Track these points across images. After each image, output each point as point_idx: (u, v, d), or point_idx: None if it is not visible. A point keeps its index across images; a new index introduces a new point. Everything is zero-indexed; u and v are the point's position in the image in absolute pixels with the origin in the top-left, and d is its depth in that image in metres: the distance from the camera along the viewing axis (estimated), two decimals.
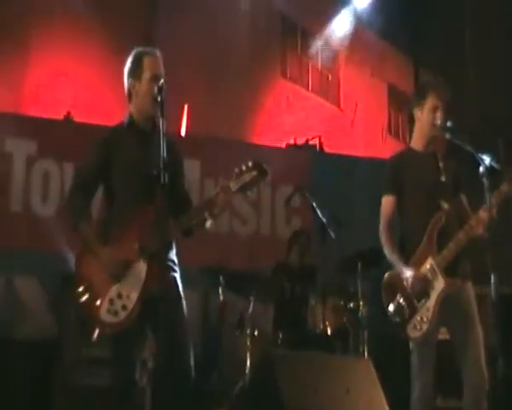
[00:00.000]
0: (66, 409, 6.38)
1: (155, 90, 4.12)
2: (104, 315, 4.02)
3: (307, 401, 5.49)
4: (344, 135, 13.75)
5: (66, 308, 6.55)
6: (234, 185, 4.11)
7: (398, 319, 4.62)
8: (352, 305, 6.95)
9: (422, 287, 4.55)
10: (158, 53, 4.35)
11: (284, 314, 6.94)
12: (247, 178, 4.09)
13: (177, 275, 4.26)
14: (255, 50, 12.19)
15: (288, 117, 12.82)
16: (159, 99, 4.07)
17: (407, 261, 4.64)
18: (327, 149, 10.88)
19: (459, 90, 4.96)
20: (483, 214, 4.48)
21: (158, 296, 3.90)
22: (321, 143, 10.98)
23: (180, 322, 4.13)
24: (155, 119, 4.23)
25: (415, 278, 4.56)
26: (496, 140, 8.54)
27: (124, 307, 4.03)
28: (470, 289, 4.67)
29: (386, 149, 13.02)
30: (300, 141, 11.13)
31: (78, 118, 9.02)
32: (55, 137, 8.01)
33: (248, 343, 6.35)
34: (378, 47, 14.36)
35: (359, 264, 6.90)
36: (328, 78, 14.48)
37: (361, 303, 6.86)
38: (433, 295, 4.55)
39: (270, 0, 12.60)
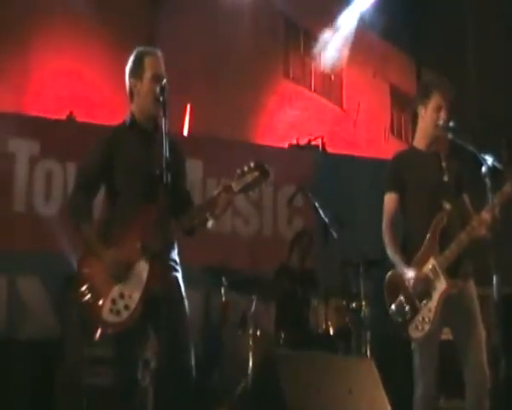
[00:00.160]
0: (69, 409, 6.38)
1: (158, 89, 4.12)
2: (106, 315, 4.03)
3: (309, 401, 5.49)
4: (346, 135, 13.73)
5: (69, 308, 6.55)
6: (236, 186, 4.11)
7: (399, 320, 4.62)
8: (354, 305, 6.95)
9: (424, 288, 4.55)
10: (159, 53, 4.36)
11: (286, 314, 6.94)
12: (248, 178, 4.09)
13: (179, 275, 4.27)
14: (258, 51, 12.18)
15: (290, 117, 12.81)
16: (161, 99, 4.07)
17: (409, 261, 4.63)
18: (329, 150, 10.86)
19: (461, 90, 4.94)
20: (485, 215, 4.47)
21: (160, 296, 3.91)
22: (323, 144, 10.97)
23: (182, 322, 4.14)
24: (157, 118, 4.23)
25: (417, 278, 4.56)
26: (497, 140, 8.53)
27: (126, 307, 4.03)
28: (472, 289, 4.66)
29: (388, 149, 12.98)
30: (303, 141, 11.12)
31: (80, 118, 9.02)
32: (57, 137, 8.02)
33: (250, 343, 6.35)
34: (380, 48, 14.33)
35: (361, 267, 6.92)
36: (330, 78, 14.47)
37: (363, 303, 6.86)
38: (435, 296, 4.54)
39: (272, 0, 12.59)
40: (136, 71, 4.29)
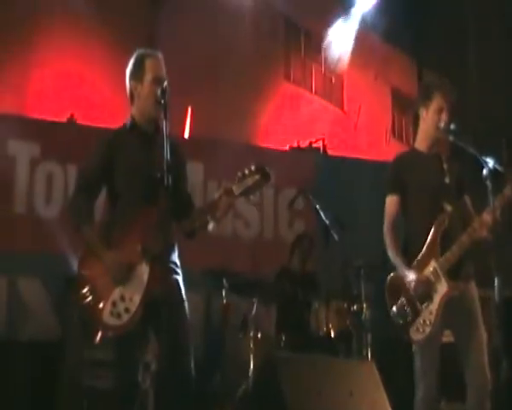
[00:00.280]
0: None
1: (159, 92, 4.12)
2: (107, 318, 4.03)
3: (310, 404, 5.49)
4: (347, 138, 13.73)
5: (70, 310, 6.56)
6: (236, 189, 4.10)
7: (401, 322, 4.62)
8: (355, 307, 6.94)
9: (425, 290, 4.55)
10: (160, 55, 4.36)
11: (287, 317, 6.94)
12: (249, 181, 4.09)
13: (180, 277, 4.26)
14: (258, 53, 12.18)
15: (291, 119, 12.81)
16: (162, 101, 4.07)
17: (410, 264, 4.64)
18: (330, 152, 10.87)
19: (462, 91, 4.93)
20: (486, 217, 4.48)
21: (160, 299, 3.91)
22: (324, 146, 10.98)
23: (182, 325, 4.13)
24: (158, 121, 4.23)
25: (417, 281, 4.56)
26: (498, 140, 8.54)
27: (127, 310, 4.03)
28: (474, 291, 4.66)
29: (389, 151, 12.97)
30: (304, 144, 11.12)
31: (81, 120, 9.03)
32: (58, 139, 8.03)
33: (251, 346, 6.36)
34: (382, 50, 14.34)
35: (362, 269, 6.93)
36: (331, 80, 14.47)
37: (364, 306, 6.86)
38: (436, 298, 4.54)
39: (273, 2, 12.59)
40: (137, 73, 4.29)
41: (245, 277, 7.02)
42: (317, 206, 7.19)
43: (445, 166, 4.74)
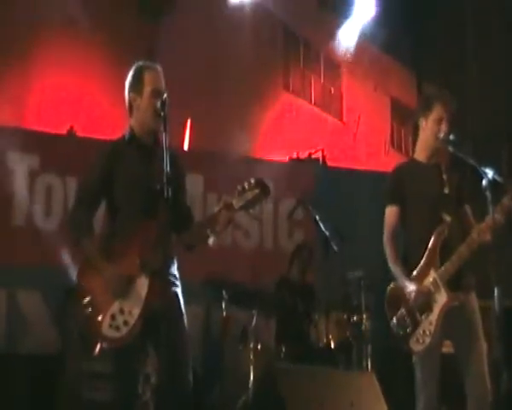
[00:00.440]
0: None
1: (158, 104, 4.11)
2: (106, 330, 4.02)
3: None
4: (346, 148, 13.76)
5: (69, 322, 6.55)
6: (236, 203, 4.10)
7: (401, 333, 4.62)
8: (355, 318, 6.94)
9: (425, 301, 4.55)
10: (159, 67, 4.36)
11: (287, 328, 6.93)
12: (249, 195, 4.09)
13: (179, 290, 4.26)
14: (257, 63, 12.21)
15: (290, 130, 12.83)
16: (162, 114, 4.06)
17: (410, 274, 4.64)
18: (330, 163, 10.89)
19: (462, 101, 4.94)
20: (485, 227, 4.47)
21: (159, 313, 3.90)
22: (324, 157, 11.00)
23: (181, 338, 4.13)
24: (157, 133, 4.23)
25: (417, 292, 4.56)
26: (498, 148, 8.55)
27: (125, 323, 4.02)
28: (474, 302, 4.66)
29: (389, 162, 13.00)
30: (303, 155, 11.15)
31: (80, 132, 9.04)
32: (57, 151, 8.03)
33: (251, 357, 6.34)
34: (381, 61, 14.39)
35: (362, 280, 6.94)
36: (330, 91, 14.50)
37: (364, 317, 6.86)
38: (436, 309, 4.54)
39: (272, 12, 12.63)
40: (136, 86, 4.29)
41: (244, 288, 7.01)
42: (317, 217, 7.19)
43: (445, 176, 4.75)
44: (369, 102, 14.71)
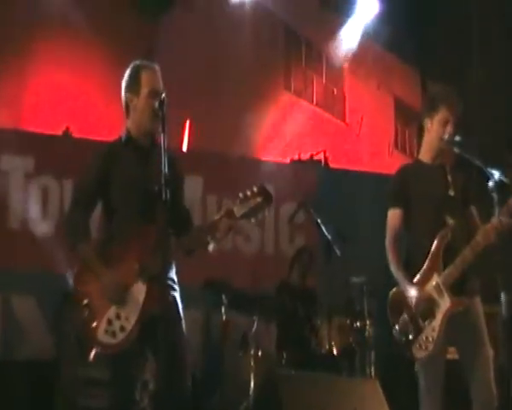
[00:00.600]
0: None
1: (156, 104, 4.10)
2: (102, 336, 4.02)
3: None
4: (349, 150, 13.74)
5: (66, 327, 6.54)
6: (238, 211, 4.09)
7: (403, 339, 4.60)
8: (358, 324, 6.93)
9: (427, 307, 4.52)
10: (156, 67, 4.35)
11: (288, 334, 6.92)
12: (251, 203, 4.08)
13: (177, 294, 4.26)
14: (258, 63, 12.20)
15: (292, 131, 12.81)
16: (160, 114, 4.05)
17: (412, 279, 4.62)
18: (332, 165, 10.88)
19: (466, 100, 4.91)
20: (491, 228, 4.45)
21: (157, 318, 3.90)
22: (326, 159, 10.99)
23: (179, 344, 4.12)
24: (154, 134, 4.23)
25: (419, 297, 4.53)
26: (502, 153, 8.54)
27: (122, 329, 4.01)
28: (479, 306, 4.63)
29: (392, 164, 12.97)
30: (305, 156, 11.13)
31: (77, 133, 9.03)
32: (53, 152, 8.01)
33: (252, 364, 6.34)
34: (384, 60, 14.37)
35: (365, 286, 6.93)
36: (333, 91, 14.49)
37: (368, 322, 6.84)
38: (439, 315, 4.51)
39: (273, 11, 12.62)
40: (133, 86, 4.28)
41: (244, 292, 7.00)
42: (319, 220, 7.18)
43: (450, 177, 4.72)
44: (373, 102, 14.68)
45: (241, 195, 4.07)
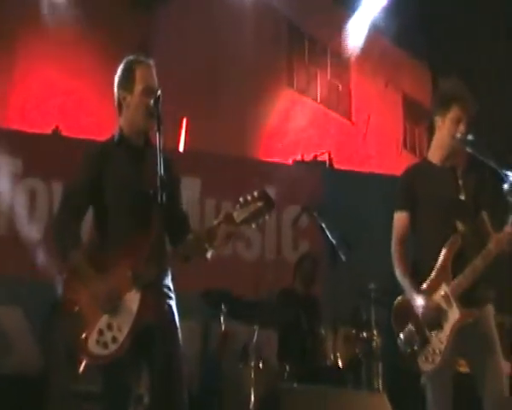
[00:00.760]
0: None
1: (151, 102, 4.09)
2: (92, 346, 3.99)
3: None
4: (355, 150, 13.76)
5: (54, 338, 6.53)
6: (238, 216, 4.06)
7: (408, 350, 4.57)
8: (365, 334, 6.93)
9: (435, 317, 4.49)
10: (151, 62, 4.33)
11: (291, 344, 6.92)
12: (252, 208, 4.05)
13: (173, 302, 4.23)
14: (260, 59, 12.22)
15: (294, 130, 12.82)
16: (155, 112, 4.04)
17: (420, 286, 4.59)
18: (337, 166, 10.89)
19: (478, 97, 4.87)
20: (504, 235, 4.43)
21: (152, 328, 3.89)
22: (330, 159, 11.00)
23: (175, 355, 4.10)
24: (148, 133, 4.21)
25: (426, 307, 4.50)
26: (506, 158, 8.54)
27: (114, 340, 3.99)
28: (490, 314, 4.60)
29: (401, 164, 12.98)
30: (308, 157, 11.14)
31: (66, 132, 9.02)
32: (41, 153, 8.01)
33: (253, 376, 6.33)
34: (392, 55, 14.38)
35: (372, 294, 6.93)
36: (338, 88, 14.50)
37: (375, 332, 6.84)
38: (447, 327, 4.47)
39: (275, 6, 12.63)
40: (126, 82, 4.25)
41: (245, 301, 6.99)
42: (323, 224, 7.17)
43: (461, 181, 4.68)
44: (380, 99, 14.69)
45: (241, 199, 4.05)
